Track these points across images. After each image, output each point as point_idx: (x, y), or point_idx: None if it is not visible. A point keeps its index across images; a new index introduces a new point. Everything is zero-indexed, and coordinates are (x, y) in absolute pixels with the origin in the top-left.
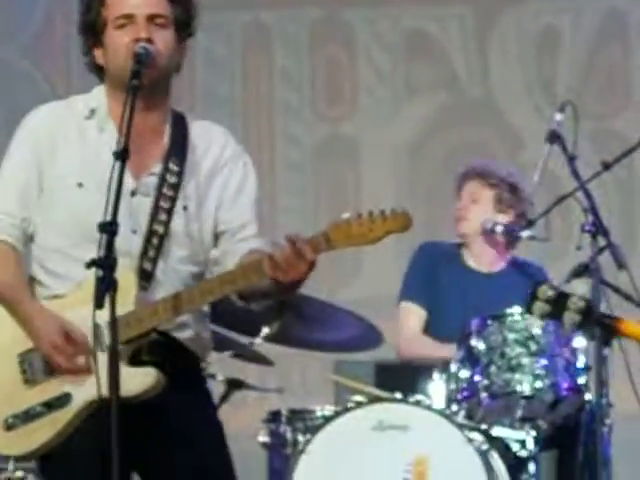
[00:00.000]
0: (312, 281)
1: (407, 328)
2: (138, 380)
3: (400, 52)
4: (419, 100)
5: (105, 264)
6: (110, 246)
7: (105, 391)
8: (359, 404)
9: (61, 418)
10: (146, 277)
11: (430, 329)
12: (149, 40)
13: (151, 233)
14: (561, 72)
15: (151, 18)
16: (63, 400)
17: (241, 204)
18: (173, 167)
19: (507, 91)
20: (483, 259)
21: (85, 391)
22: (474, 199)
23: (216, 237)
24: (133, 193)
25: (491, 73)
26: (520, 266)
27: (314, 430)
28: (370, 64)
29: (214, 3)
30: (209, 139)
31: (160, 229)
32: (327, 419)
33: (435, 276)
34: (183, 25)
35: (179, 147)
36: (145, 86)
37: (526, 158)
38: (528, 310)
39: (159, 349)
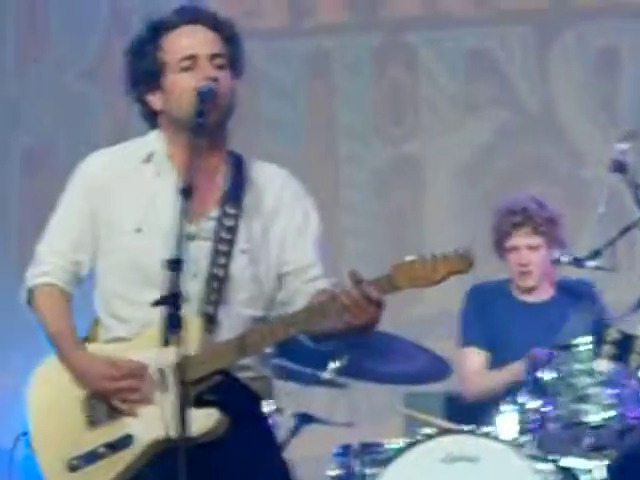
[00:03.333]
0: None
1: (470, 369)
2: (201, 421)
3: (461, 71)
4: (481, 119)
5: (171, 302)
6: (176, 283)
7: (171, 432)
8: (428, 436)
9: (122, 459)
10: (209, 320)
11: (492, 368)
12: (216, 79)
13: (211, 277)
14: (622, 90)
15: (212, 58)
16: (125, 441)
17: (304, 245)
18: (230, 210)
19: (568, 109)
20: (538, 291)
21: (147, 432)
22: (531, 247)
23: (280, 279)
24: (192, 237)
25: (552, 91)
26: (569, 288)
27: (384, 463)
28: (433, 85)
29: (275, 31)
30: (268, 181)
31: (220, 273)
32: (397, 452)
33: (490, 316)
34: (236, 63)
35: (236, 190)
36: (209, 125)
37: (587, 176)
38: (596, 353)
39: (221, 389)
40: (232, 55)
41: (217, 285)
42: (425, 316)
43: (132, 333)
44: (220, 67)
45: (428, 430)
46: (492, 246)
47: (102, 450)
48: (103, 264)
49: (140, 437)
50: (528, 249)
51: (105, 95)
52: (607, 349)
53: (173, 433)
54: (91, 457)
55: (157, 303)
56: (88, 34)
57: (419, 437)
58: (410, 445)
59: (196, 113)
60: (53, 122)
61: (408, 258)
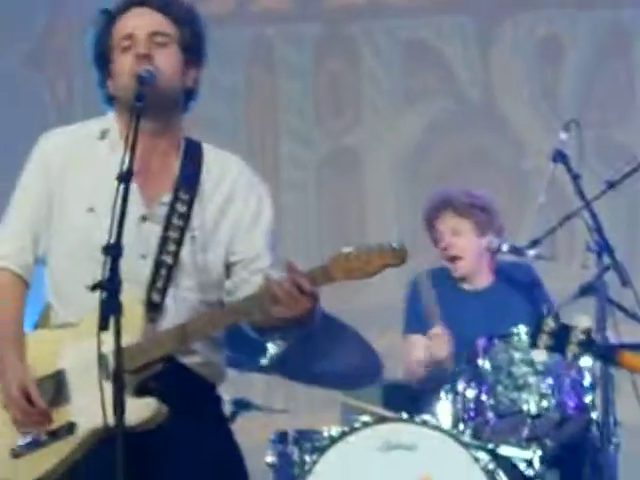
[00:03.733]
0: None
1: (413, 358)
2: (138, 411)
3: (400, 63)
4: (421, 109)
5: (109, 287)
6: (115, 269)
7: (110, 420)
8: (366, 424)
9: (65, 447)
10: (154, 309)
11: None
12: (147, 56)
13: (159, 263)
14: (564, 80)
15: (151, 35)
16: (68, 429)
17: (255, 235)
18: (183, 196)
19: (509, 99)
20: (477, 278)
21: (89, 420)
22: (455, 232)
23: (228, 267)
24: (144, 218)
25: (493, 81)
26: (507, 273)
27: (321, 450)
28: (372, 76)
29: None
30: (223, 168)
31: (168, 259)
32: (334, 439)
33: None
34: (190, 48)
35: (190, 176)
36: (152, 109)
37: (529, 166)
38: (533, 343)
39: (166, 375)
40: (184, 38)
41: (165, 272)
42: (368, 308)
43: (80, 317)
44: (162, 45)
45: (365, 418)
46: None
47: (44, 438)
48: (55, 244)
49: (82, 425)
50: (452, 234)
51: (49, 78)
52: (544, 339)
53: (110, 421)
54: (34, 444)
55: (94, 287)
56: (30, 18)
57: (356, 425)
58: (347, 433)
59: (134, 97)
60: None
61: (344, 250)
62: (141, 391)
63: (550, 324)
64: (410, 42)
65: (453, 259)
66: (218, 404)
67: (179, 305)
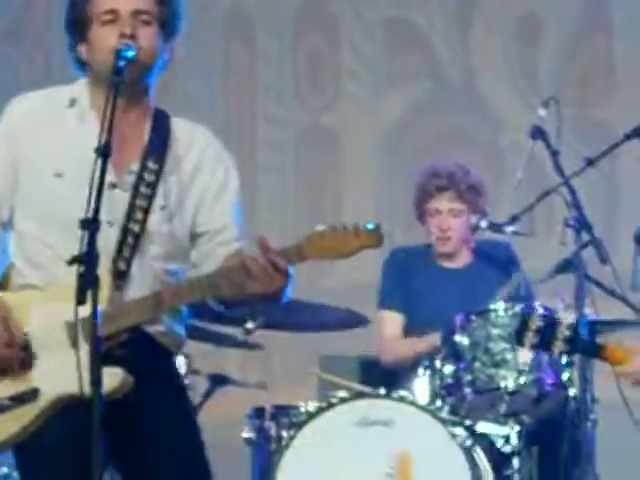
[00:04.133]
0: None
1: (386, 334)
2: (105, 380)
3: (381, 41)
4: (401, 88)
5: (87, 261)
6: (92, 243)
7: (74, 388)
8: (343, 400)
9: (28, 412)
10: (120, 277)
11: (411, 333)
12: (133, 36)
13: (126, 231)
14: (543, 58)
15: (135, 14)
16: (31, 395)
17: (221, 206)
18: (151, 165)
19: (489, 77)
20: (457, 256)
21: (54, 387)
22: (453, 213)
23: (193, 238)
24: (113, 186)
25: (472, 59)
26: (487, 251)
27: (298, 426)
28: (353, 52)
29: None
30: (191, 139)
31: (136, 228)
32: (311, 415)
33: (409, 280)
34: (169, 24)
35: (159, 145)
36: (127, 83)
37: (507, 143)
38: (519, 342)
39: (131, 343)
40: (162, 15)
41: (132, 240)
42: (336, 288)
43: (44, 281)
44: (145, 23)
45: (342, 393)
46: (413, 206)
47: (7, 403)
48: (22, 207)
49: (46, 391)
50: (450, 214)
51: (26, 53)
52: (530, 337)
53: (81, 389)
54: None
55: (72, 261)
56: None
57: (334, 400)
58: (324, 408)
59: (114, 71)
60: None
61: (319, 228)
62: (107, 359)
63: (537, 322)
64: (392, 20)
65: (444, 239)
66: (177, 373)
67: (144, 274)
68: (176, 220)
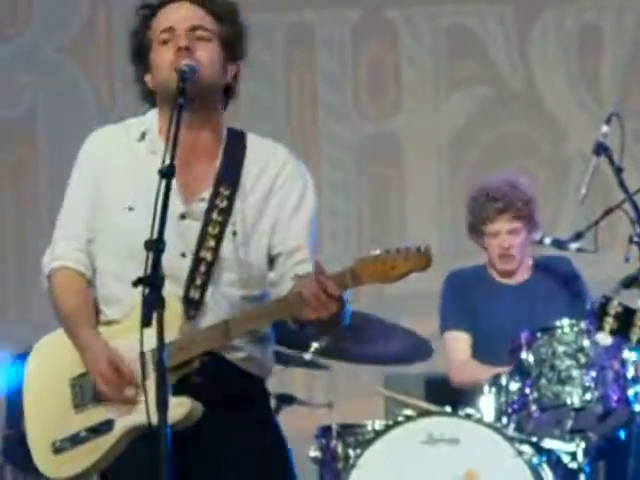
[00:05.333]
0: None
1: (456, 356)
2: (172, 410)
3: (441, 49)
4: (461, 97)
5: (152, 282)
6: (156, 264)
7: (149, 418)
8: (409, 418)
9: (103, 444)
10: (194, 306)
11: (476, 351)
12: (188, 48)
13: (199, 260)
14: (604, 67)
15: (192, 30)
16: (106, 426)
17: (296, 227)
18: (224, 191)
19: (550, 85)
20: (517, 272)
21: (126, 418)
22: (512, 232)
23: (272, 260)
24: (183, 216)
25: (533, 69)
26: (546, 266)
27: (365, 444)
28: (412, 62)
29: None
30: (267, 158)
31: (208, 256)
32: (377, 433)
33: (469, 299)
34: (230, 44)
35: (232, 169)
36: (190, 102)
37: (570, 150)
38: (599, 326)
39: (210, 370)
40: (225, 34)
41: (204, 268)
42: (399, 295)
43: (123, 314)
44: (203, 39)
45: (409, 411)
46: (467, 230)
47: (84, 434)
48: (99, 244)
49: (119, 422)
50: (509, 233)
51: (88, 73)
52: (610, 322)
53: (151, 419)
54: (74, 441)
55: (136, 283)
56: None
57: (400, 418)
58: (391, 426)
59: (177, 91)
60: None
61: (372, 253)
62: (182, 387)
63: (615, 307)
64: (450, 29)
65: (506, 257)
66: (263, 399)
67: (219, 301)
68: (250, 245)
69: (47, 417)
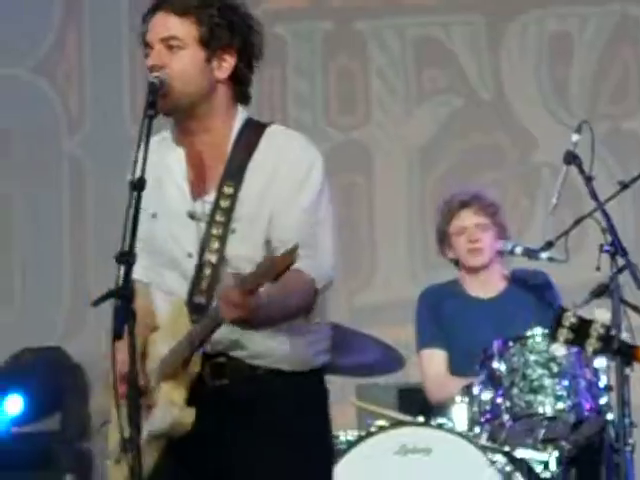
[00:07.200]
0: (331, 289)
1: (432, 373)
2: (159, 418)
3: (411, 60)
4: (431, 108)
5: (122, 294)
6: (127, 276)
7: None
8: (382, 428)
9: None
10: (198, 310)
11: (453, 367)
12: (154, 67)
13: (203, 263)
14: (573, 75)
15: (164, 41)
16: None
17: (290, 219)
18: (227, 190)
19: (519, 94)
20: (489, 285)
21: (146, 426)
22: (481, 229)
23: (271, 251)
24: (191, 216)
25: (504, 77)
26: (522, 279)
27: (338, 455)
28: (381, 73)
29: None
30: (277, 149)
31: (212, 258)
32: (350, 444)
33: (445, 316)
34: (212, 41)
35: (238, 166)
36: (171, 110)
37: (540, 160)
38: (552, 336)
39: (231, 373)
40: (203, 33)
41: (209, 271)
42: (369, 305)
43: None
44: (175, 48)
45: (381, 422)
46: (436, 242)
47: (118, 453)
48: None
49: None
50: (476, 227)
51: (59, 88)
52: (564, 333)
53: (153, 427)
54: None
55: (107, 296)
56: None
57: (372, 429)
58: (363, 437)
59: (145, 104)
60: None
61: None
62: (202, 391)
63: (570, 318)
64: (420, 39)
65: (475, 251)
66: (296, 394)
67: None
68: (251, 240)
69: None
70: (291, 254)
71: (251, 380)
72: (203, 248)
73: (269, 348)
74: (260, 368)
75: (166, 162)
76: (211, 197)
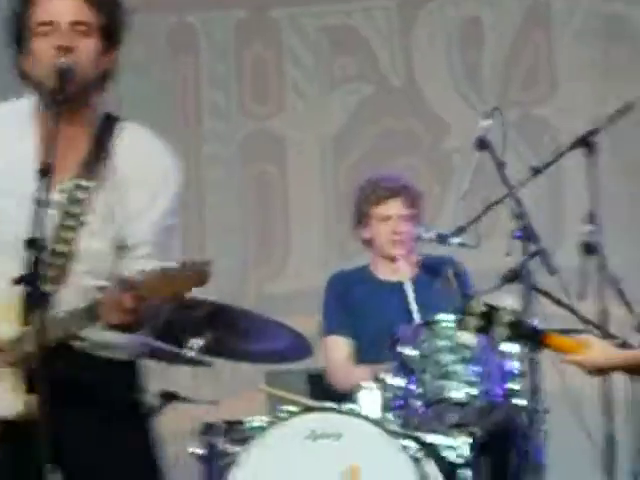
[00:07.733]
0: (241, 277)
1: (334, 360)
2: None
3: (325, 47)
4: (344, 95)
5: (32, 280)
6: (37, 263)
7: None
8: (291, 414)
9: None
10: (45, 298)
11: (362, 352)
12: (68, 49)
13: (54, 252)
14: (485, 60)
15: (73, 25)
16: None
17: (146, 221)
18: (83, 182)
19: (431, 80)
20: (401, 270)
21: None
22: (405, 220)
23: (118, 252)
24: (45, 204)
25: (415, 63)
26: (433, 265)
27: (247, 441)
28: (295, 61)
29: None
30: (135, 149)
31: (64, 249)
32: (260, 430)
33: (351, 302)
34: (109, 33)
35: (95, 159)
36: (66, 98)
37: (452, 145)
38: (460, 325)
39: (65, 361)
40: (104, 24)
41: (60, 261)
42: (281, 294)
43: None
44: (84, 35)
45: (291, 407)
46: (352, 219)
47: None
48: None
49: None
50: (401, 219)
51: None
52: (471, 321)
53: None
54: None
55: (17, 281)
56: None
57: (282, 415)
58: (273, 423)
59: (54, 90)
60: None
61: (157, 267)
62: (35, 379)
63: (477, 306)
64: (333, 26)
65: (397, 242)
66: (126, 383)
67: (73, 293)
68: (101, 235)
69: None
70: (200, 274)
71: (89, 369)
72: (56, 237)
73: (109, 340)
74: (101, 358)
75: (24, 144)
76: (66, 187)
